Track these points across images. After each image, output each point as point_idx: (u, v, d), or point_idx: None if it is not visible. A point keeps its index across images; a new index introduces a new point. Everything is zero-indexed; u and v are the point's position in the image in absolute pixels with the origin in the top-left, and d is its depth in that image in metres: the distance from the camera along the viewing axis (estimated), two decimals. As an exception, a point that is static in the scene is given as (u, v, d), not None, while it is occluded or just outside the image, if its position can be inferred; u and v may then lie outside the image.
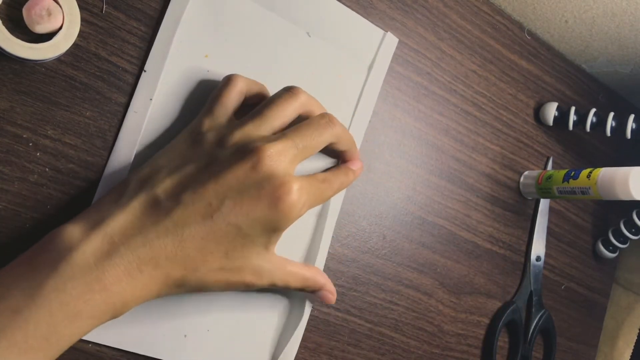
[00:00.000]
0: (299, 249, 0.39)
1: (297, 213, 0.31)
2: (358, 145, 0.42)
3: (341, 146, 0.36)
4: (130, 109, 0.35)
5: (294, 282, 0.35)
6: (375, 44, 0.43)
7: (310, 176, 0.34)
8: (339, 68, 0.42)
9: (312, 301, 0.39)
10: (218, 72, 0.37)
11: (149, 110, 0.35)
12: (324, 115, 0.34)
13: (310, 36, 0.40)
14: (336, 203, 0.41)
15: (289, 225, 0.32)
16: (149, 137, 0.35)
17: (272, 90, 0.37)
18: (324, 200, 0.35)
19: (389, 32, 0.44)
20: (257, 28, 0.39)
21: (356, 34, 0.42)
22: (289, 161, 0.31)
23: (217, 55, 0.37)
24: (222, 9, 0.37)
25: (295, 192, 0.30)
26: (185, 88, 0.36)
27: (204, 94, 0.36)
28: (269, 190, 0.30)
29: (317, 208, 0.40)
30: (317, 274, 0.36)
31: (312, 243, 0.40)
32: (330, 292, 0.37)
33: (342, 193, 0.42)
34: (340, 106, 0.41)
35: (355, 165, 0.38)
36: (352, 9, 0.42)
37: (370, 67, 0.43)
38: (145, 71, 0.35)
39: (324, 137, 0.33)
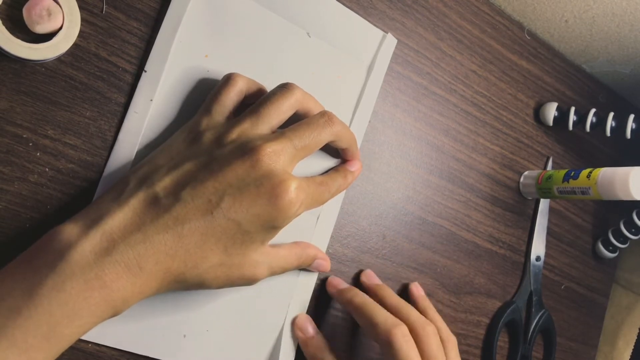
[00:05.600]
0: None
1: (294, 211, 0.31)
2: (358, 146, 0.42)
3: (342, 144, 0.36)
4: (131, 110, 0.35)
5: (290, 264, 0.36)
6: (374, 45, 0.43)
7: (309, 178, 0.34)
8: (339, 68, 0.42)
9: (312, 270, 0.39)
10: (218, 72, 0.37)
11: (149, 110, 0.35)
12: (324, 114, 0.34)
13: (310, 36, 0.40)
14: (336, 203, 0.41)
15: (286, 223, 0.32)
16: (149, 137, 0.35)
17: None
18: (322, 202, 0.35)
19: (388, 33, 0.44)
20: (258, 28, 0.39)
21: (356, 35, 0.42)
22: (288, 160, 0.32)
23: (217, 55, 0.37)
24: (222, 9, 0.37)
25: (294, 191, 0.31)
26: (186, 88, 0.36)
27: (204, 94, 0.36)
28: (268, 187, 0.30)
29: (317, 208, 0.40)
30: (306, 248, 0.37)
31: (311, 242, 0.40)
32: (323, 260, 0.39)
33: (342, 193, 0.42)
34: (340, 106, 0.42)
35: (353, 167, 0.39)
36: (352, 9, 0.42)
37: (369, 68, 0.43)
38: (145, 71, 0.35)
39: (323, 137, 0.34)
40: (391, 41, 0.44)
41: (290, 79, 0.39)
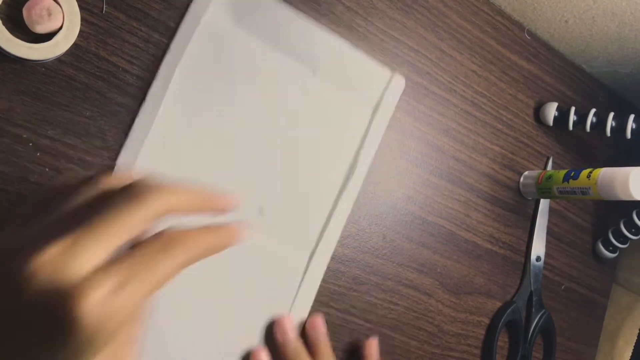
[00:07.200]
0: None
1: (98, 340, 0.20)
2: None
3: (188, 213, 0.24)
4: (126, 145, 0.34)
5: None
6: (382, 85, 0.42)
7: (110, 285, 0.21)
8: (344, 108, 0.41)
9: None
10: (219, 109, 0.37)
11: (145, 143, 0.34)
12: (160, 236, 0.22)
13: (315, 75, 0.40)
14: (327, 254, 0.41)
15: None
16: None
17: (269, 133, 0.37)
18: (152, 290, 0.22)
19: (396, 73, 0.43)
20: (262, 67, 0.38)
21: (362, 74, 0.42)
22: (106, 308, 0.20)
23: (219, 91, 0.37)
24: (226, 47, 0.37)
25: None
26: (184, 126, 0.36)
27: (204, 135, 0.36)
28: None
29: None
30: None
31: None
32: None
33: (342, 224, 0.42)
34: (343, 147, 0.41)
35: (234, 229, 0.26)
36: (353, 9, 0.42)
37: (375, 108, 0.42)
38: (145, 103, 0.35)
39: (165, 272, 0.21)
40: (399, 81, 0.43)
41: (294, 118, 0.39)
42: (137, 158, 0.34)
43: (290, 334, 0.38)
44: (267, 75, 0.38)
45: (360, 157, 0.42)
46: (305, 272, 0.40)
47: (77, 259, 0.20)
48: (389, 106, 0.43)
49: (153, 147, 0.35)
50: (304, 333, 0.40)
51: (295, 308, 0.39)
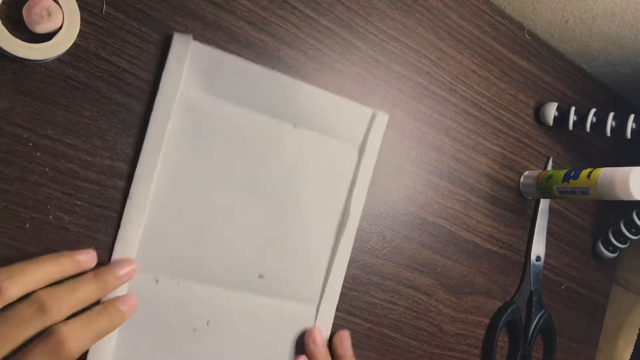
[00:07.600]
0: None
1: None
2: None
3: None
4: (119, 237, 0.34)
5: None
6: (364, 124, 0.42)
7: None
8: (329, 154, 0.41)
9: None
10: (206, 182, 0.37)
11: (138, 237, 0.35)
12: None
13: (296, 128, 0.39)
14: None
15: None
16: (143, 262, 0.35)
17: (260, 196, 0.38)
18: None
19: (379, 112, 0.43)
20: (242, 130, 0.38)
21: (344, 118, 0.41)
22: None
23: (204, 165, 0.37)
24: (203, 119, 0.37)
25: None
26: (175, 208, 0.36)
27: (195, 212, 0.36)
28: None
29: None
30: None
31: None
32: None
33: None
34: (336, 193, 0.41)
35: (124, 304, 0.33)
36: (352, 9, 0.42)
37: (361, 148, 0.42)
38: (130, 198, 0.34)
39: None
40: (382, 119, 0.43)
41: (282, 176, 0.39)
42: (134, 249, 0.34)
43: (320, 342, 0.39)
44: (249, 139, 0.38)
45: (353, 201, 0.41)
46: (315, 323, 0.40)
47: None
48: (374, 146, 0.42)
49: (146, 235, 0.35)
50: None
51: None
